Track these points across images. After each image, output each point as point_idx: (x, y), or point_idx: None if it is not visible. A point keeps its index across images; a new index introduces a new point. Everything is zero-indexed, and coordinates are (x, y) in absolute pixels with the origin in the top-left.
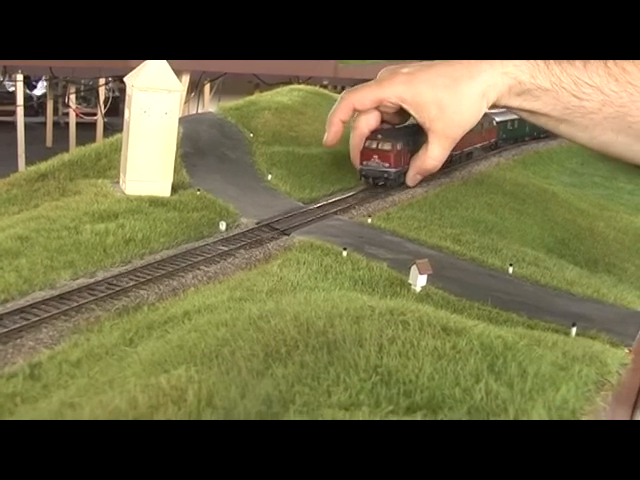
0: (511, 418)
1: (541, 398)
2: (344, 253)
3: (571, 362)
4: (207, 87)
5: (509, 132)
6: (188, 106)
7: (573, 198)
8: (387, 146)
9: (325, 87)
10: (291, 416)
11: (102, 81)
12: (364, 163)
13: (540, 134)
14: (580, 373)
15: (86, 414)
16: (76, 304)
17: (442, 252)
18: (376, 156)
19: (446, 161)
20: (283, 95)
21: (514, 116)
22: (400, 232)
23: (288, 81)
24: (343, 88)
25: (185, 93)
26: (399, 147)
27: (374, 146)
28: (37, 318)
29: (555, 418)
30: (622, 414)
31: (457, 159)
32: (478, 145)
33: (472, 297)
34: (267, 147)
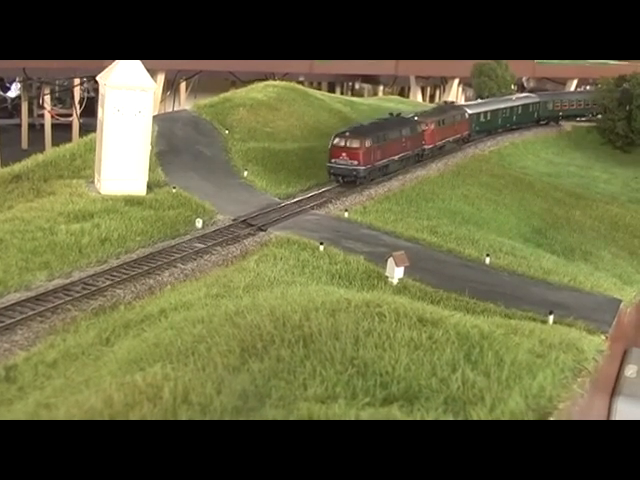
0: (488, 407)
1: (518, 386)
2: (321, 247)
3: (548, 349)
4: (183, 85)
5: (482, 124)
6: (164, 105)
7: (549, 188)
8: (355, 143)
9: (301, 83)
10: (267, 410)
11: (77, 81)
12: (332, 161)
13: (511, 126)
14: (557, 360)
15: (62, 414)
16: (52, 305)
17: (419, 244)
18: (344, 154)
19: (418, 155)
20: (258, 91)
21: (487, 108)
22: (377, 225)
23: (264, 78)
24: (319, 84)
25: (161, 92)
26: (368, 144)
27: (342, 144)
28: (12, 320)
29: (532, 406)
30: (600, 401)
31: (429, 153)
32: (450, 138)
33: (449, 288)
34: (242, 143)
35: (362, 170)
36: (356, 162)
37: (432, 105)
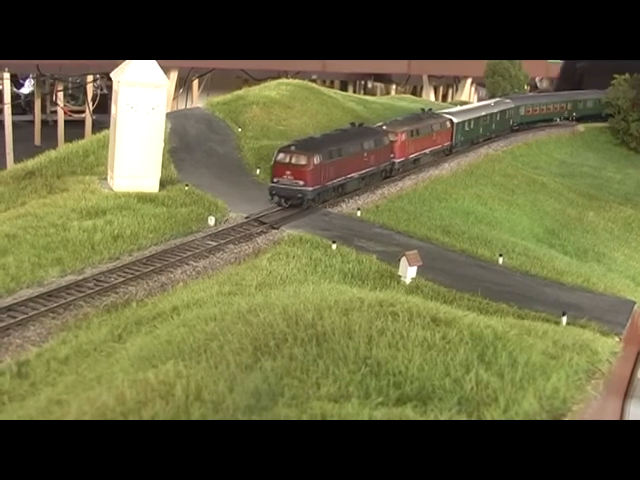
0: (502, 408)
1: (532, 387)
2: (333, 246)
3: (562, 351)
4: (195, 83)
5: (467, 134)
6: (177, 102)
7: (562, 188)
8: (302, 160)
9: (314, 81)
10: (280, 409)
11: (90, 78)
12: (275, 180)
13: (490, 135)
14: (571, 362)
15: (73, 411)
16: (64, 301)
17: (432, 244)
18: (289, 172)
19: (386, 170)
20: (271, 89)
21: (473, 115)
22: (389, 224)
23: (277, 76)
24: (332, 82)
25: (173, 89)
26: (317, 160)
27: (287, 160)
28: (24, 316)
29: (546, 408)
30: (613, 403)
31: (400, 168)
32: (427, 150)
33: (462, 288)
34: (255, 141)
35: (309, 192)
36: (302, 182)
37: (446, 105)
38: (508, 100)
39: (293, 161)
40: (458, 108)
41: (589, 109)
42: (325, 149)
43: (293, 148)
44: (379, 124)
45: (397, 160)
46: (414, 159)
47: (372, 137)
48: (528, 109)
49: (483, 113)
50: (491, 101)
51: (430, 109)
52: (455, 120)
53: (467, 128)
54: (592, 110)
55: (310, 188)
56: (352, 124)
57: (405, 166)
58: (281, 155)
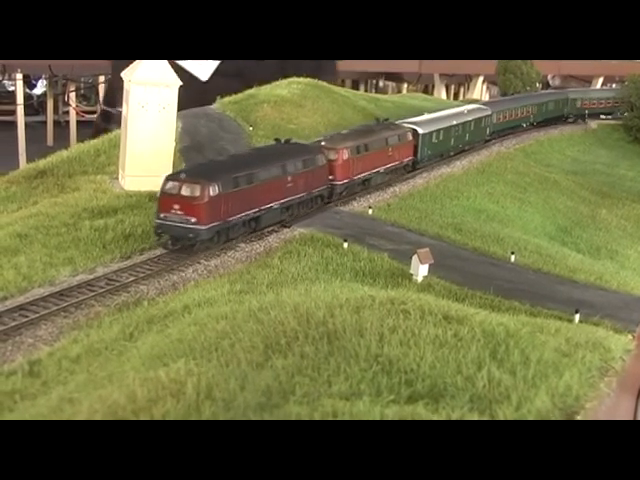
0: (514, 406)
1: (544, 385)
2: (345, 245)
3: (574, 348)
4: None
5: (435, 146)
6: None
7: (575, 186)
8: (195, 191)
9: (325, 80)
10: (291, 407)
11: (102, 79)
12: (162, 216)
13: (463, 147)
14: (584, 359)
15: (85, 409)
16: (76, 300)
17: (443, 241)
18: (177, 206)
19: (322, 196)
20: (282, 88)
21: (443, 125)
22: (401, 222)
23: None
24: (343, 81)
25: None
26: (214, 191)
27: (176, 191)
28: (36, 315)
29: (559, 405)
30: (626, 401)
31: (343, 191)
32: (381, 168)
33: (474, 286)
34: (267, 140)
35: (203, 231)
36: (194, 219)
37: (456, 103)
38: (484, 107)
39: (183, 192)
40: (426, 117)
41: (551, 111)
42: (228, 176)
43: (183, 175)
44: (317, 139)
45: (338, 182)
46: (362, 180)
47: (301, 156)
48: (499, 116)
49: (454, 122)
50: (464, 108)
51: (387, 119)
52: (420, 131)
53: (435, 140)
54: (553, 112)
55: (204, 227)
56: (276, 140)
57: (350, 189)
58: (169, 184)
